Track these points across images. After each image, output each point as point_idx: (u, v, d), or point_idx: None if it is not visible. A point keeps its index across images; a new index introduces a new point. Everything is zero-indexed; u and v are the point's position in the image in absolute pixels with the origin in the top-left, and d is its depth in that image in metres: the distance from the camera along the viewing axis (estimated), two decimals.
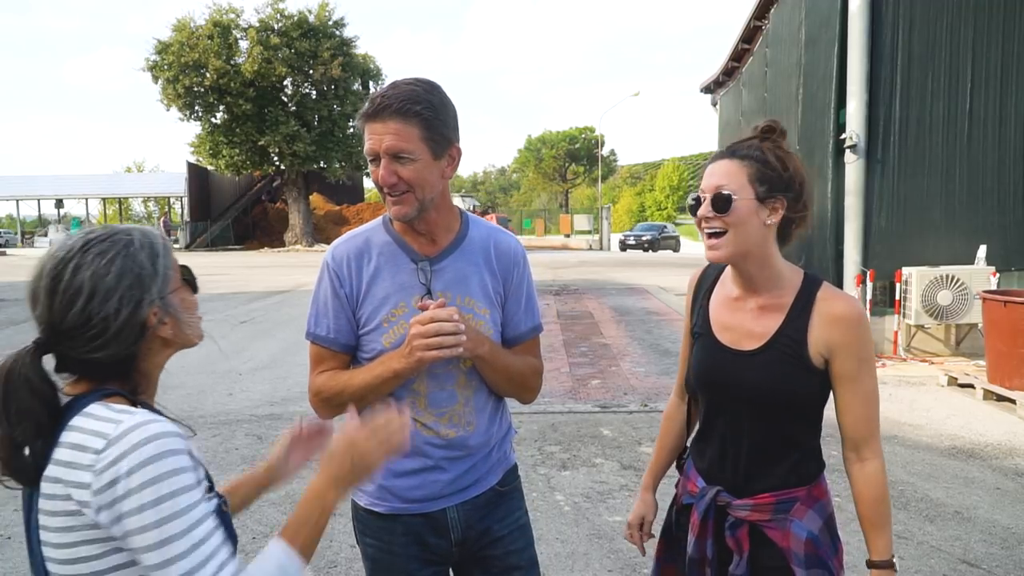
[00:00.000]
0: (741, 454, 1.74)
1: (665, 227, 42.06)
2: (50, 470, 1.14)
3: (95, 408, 1.16)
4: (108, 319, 1.18)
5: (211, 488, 1.23)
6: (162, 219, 44.04)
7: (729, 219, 1.62)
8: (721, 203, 1.62)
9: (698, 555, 1.78)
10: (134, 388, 1.25)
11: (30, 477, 1.15)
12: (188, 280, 1.35)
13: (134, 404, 1.22)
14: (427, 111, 1.65)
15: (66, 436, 1.14)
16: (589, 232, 44.51)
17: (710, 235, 1.66)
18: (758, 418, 1.70)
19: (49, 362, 1.23)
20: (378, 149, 1.65)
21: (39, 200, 56.74)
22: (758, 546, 1.71)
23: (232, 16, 37.16)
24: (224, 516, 1.22)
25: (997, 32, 8.24)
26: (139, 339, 1.22)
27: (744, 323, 1.74)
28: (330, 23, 38.18)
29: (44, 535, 1.15)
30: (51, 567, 1.15)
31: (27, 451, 1.15)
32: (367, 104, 1.68)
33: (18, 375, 1.15)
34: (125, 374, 1.24)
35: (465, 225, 1.86)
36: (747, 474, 1.73)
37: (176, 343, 1.30)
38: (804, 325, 1.65)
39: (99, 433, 1.12)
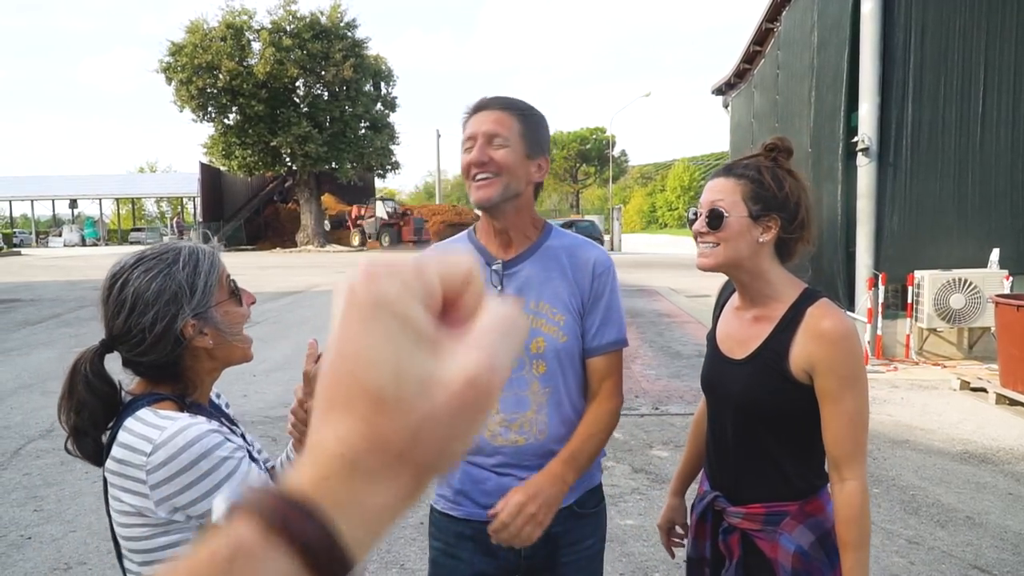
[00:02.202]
0: (729, 460, 1.78)
1: (572, 224, 34.36)
2: (109, 464, 1.31)
3: (144, 413, 1.31)
4: (145, 330, 1.32)
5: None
6: (175, 219, 44.33)
7: (721, 235, 1.68)
8: (714, 219, 1.68)
9: (696, 555, 1.86)
10: (184, 391, 1.38)
11: (96, 461, 1.33)
12: (235, 293, 1.43)
13: (182, 407, 1.36)
14: (527, 112, 1.78)
15: (121, 436, 1.30)
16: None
17: (704, 245, 1.73)
18: (742, 427, 1.74)
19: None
20: (477, 132, 1.72)
21: (53, 200, 57.27)
22: (750, 553, 1.75)
23: (244, 18, 37.35)
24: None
25: (1010, 35, 8.22)
26: (176, 349, 1.34)
27: (739, 332, 1.78)
28: (342, 24, 38.31)
29: (113, 513, 1.34)
30: (118, 531, 1.34)
31: (91, 438, 1.33)
32: (474, 101, 1.79)
33: (80, 372, 1.32)
34: (174, 377, 1.38)
35: (545, 235, 1.87)
36: (736, 481, 1.78)
37: (219, 355, 1.40)
38: (788, 339, 1.65)
39: (146, 438, 1.27)
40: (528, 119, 1.77)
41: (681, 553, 2.08)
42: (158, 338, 1.32)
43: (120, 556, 1.39)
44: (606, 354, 1.84)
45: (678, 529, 2.10)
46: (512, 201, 1.75)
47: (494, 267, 1.80)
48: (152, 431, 1.27)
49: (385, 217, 37.72)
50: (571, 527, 1.82)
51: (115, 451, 1.30)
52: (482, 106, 1.76)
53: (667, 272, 22.22)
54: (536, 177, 1.79)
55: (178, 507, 1.27)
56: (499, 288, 1.78)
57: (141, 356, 1.34)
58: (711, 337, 1.89)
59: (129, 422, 1.30)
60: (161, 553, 1.31)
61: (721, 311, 1.91)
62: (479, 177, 1.72)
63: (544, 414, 1.78)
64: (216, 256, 1.43)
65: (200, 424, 1.29)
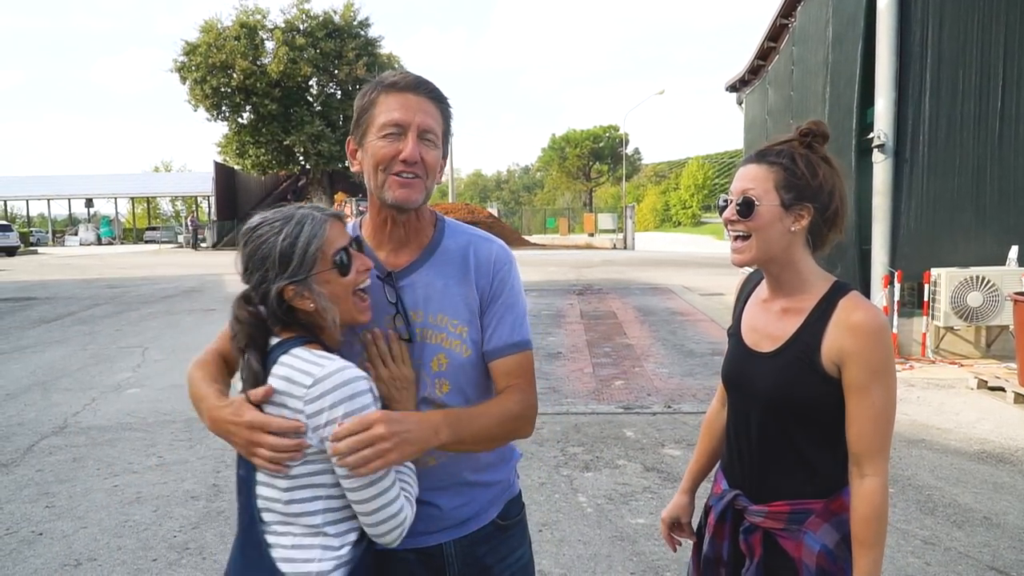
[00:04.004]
0: (753, 457, 1.74)
1: None
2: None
3: (300, 351, 1.44)
4: (254, 288, 1.47)
5: None
6: (190, 218, 44.58)
7: (752, 224, 1.63)
8: (745, 208, 1.63)
9: (713, 555, 1.82)
10: (320, 342, 1.50)
11: (250, 383, 1.44)
12: (339, 264, 1.48)
13: (329, 351, 1.48)
14: (448, 107, 1.62)
15: (277, 369, 1.43)
16: (613, 231, 44.35)
17: (735, 238, 1.69)
18: (767, 422, 1.70)
19: None
20: (410, 121, 1.52)
21: (69, 199, 57.77)
22: (771, 554, 1.70)
23: (258, 17, 37.56)
24: None
25: None
26: (282, 306, 1.46)
27: (767, 325, 1.74)
28: (355, 23, 38.46)
29: None
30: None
31: (254, 358, 1.46)
32: (390, 76, 1.57)
33: (233, 309, 1.51)
34: (300, 326, 1.49)
35: (439, 233, 1.68)
36: (758, 478, 1.73)
37: (326, 316, 1.48)
38: (820, 331, 1.61)
39: (307, 372, 1.40)
40: (449, 116, 1.62)
41: (687, 550, 2.04)
42: (263, 296, 1.45)
43: (244, 491, 1.48)
44: (505, 357, 1.63)
45: (679, 530, 2.06)
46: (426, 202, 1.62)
47: (387, 281, 1.61)
48: (312, 367, 1.40)
49: (357, 216, 39.14)
50: (498, 543, 1.71)
51: (272, 382, 1.42)
52: (411, 87, 1.55)
53: (680, 270, 22.12)
54: (439, 179, 1.64)
55: (324, 438, 1.38)
56: (395, 302, 1.59)
57: (260, 306, 1.47)
58: (734, 331, 1.84)
59: (285, 358, 1.43)
60: (303, 479, 1.42)
61: (744, 305, 1.86)
62: (405, 174, 1.53)
63: None
64: (323, 227, 1.47)
65: (353, 368, 1.42)
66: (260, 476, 1.44)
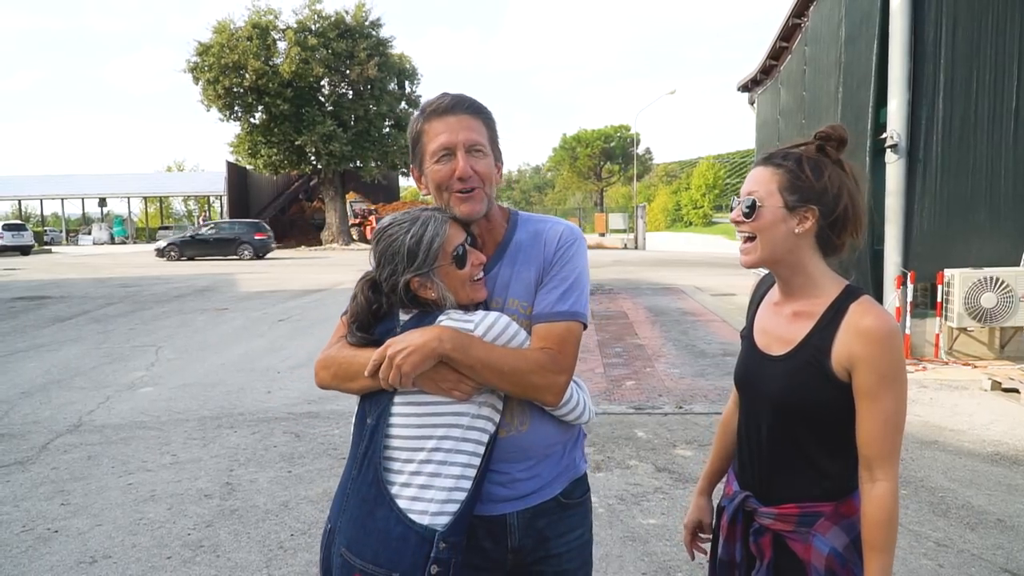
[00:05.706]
0: (763, 459, 1.74)
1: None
2: None
3: (456, 311, 1.66)
4: (385, 279, 1.68)
5: None
6: (202, 217, 44.77)
7: (756, 225, 1.66)
8: (749, 209, 1.66)
9: (727, 557, 1.82)
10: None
11: (360, 343, 1.69)
12: (456, 258, 1.68)
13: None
14: (490, 115, 1.77)
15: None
16: (624, 231, 44.28)
17: (744, 240, 1.71)
18: (777, 425, 1.70)
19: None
20: (455, 142, 1.68)
21: (83, 199, 58.14)
22: (782, 556, 1.71)
23: (270, 17, 37.69)
24: None
25: None
26: (407, 296, 1.67)
27: (778, 328, 1.74)
28: (366, 23, 38.53)
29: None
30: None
31: (365, 329, 1.71)
32: (430, 104, 1.72)
33: (359, 287, 1.74)
34: (429, 305, 1.69)
35: (512, 228, 1.81)
36: (768, 481, 1.74)
37: (440, 307, 1.68)
38: (831, 335, 1.61)
39: (468, 320, 1.63)
40: (492, 123, 1.77)
41: (703, 555, 2.04)
42: (393, 287, 1.66)
43: (370, 438, 1.65)
44: (545, 323, 1.70)
45: (702, 532, 2.06)
46: (490, 208, 1.77)
47: None
48: (471, 315, 1.65)
49: (352, 217, 42.32)
50: (558, 519, 1.78)
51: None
52: (450, 109, 1.70)
53: (692, 270, 22.07)
54: (498, 180, 1.78)
55: None
56: None
57: (390, 294, 1.68)
58: (747, 333, 1.85)
59: (442, 318, 1.63)
60: (445, 417, 1.63)
61: (757, 308, 1.87)
62: (463, 191, 1.69)
63: (525, 404, 1.72)
64: (443, 226, 1.67)
65: (498, 312, 1.67)
66: (396, 420, 1.63)
